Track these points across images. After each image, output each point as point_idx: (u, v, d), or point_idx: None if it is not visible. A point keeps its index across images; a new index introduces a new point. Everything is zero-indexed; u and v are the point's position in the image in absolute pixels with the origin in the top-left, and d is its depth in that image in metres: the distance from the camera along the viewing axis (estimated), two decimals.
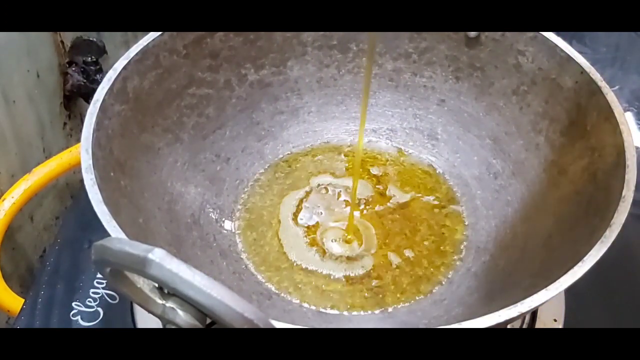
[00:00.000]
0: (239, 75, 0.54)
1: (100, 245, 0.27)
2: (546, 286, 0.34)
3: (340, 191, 0.53)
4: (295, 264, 0.48)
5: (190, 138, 0.51)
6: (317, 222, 0.51)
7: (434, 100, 0.55)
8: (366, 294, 0.47)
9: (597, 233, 0.37)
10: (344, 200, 0.52)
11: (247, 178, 0.54)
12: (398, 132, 0.56)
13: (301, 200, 0.53)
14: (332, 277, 0.48)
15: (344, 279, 0.47)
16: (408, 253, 0.49)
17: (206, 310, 0.26)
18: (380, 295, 0.47)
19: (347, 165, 0.55)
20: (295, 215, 0.52)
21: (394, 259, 0.49)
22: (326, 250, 0.49)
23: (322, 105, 0.57)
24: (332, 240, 0.50)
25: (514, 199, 0.50)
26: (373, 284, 0.47)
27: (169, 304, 0.28)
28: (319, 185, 0.54)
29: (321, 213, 0.52)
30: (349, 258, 0.49)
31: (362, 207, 0.52)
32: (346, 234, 0.50)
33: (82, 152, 0.40)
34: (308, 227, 0.51)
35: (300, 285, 0.47)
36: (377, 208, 0.52)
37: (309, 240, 0.50)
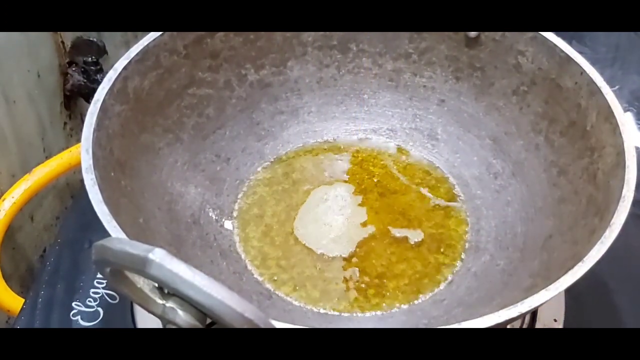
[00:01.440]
0: (239, 76, 0.54)
1: (100, 245, 0.27)
2: (546, 286, 0.34)
3: (341, 193, 0.53)
4: (295, 264, 0.48)
5: (190, 138, 0.51)
6: (318, 223, 0.51)
7: (434, 100, 0.55)
8: (366, 294, 0.47)
9: (597, 233, 0.37)
10: (344, 202, 0.52)
11: (247, 178, 0.54)
12: (398, 132, 0.56)
13: (302, 201, 0.53)
14: (332, 277, 0.48)
15: (344, 279, 0.47)
16: (408, 253, 0.49)
17: (206, 310, 0.26)
18: (380, 296, 0.47)
19: (347, 165, 0.55)
20: (295, 216, 0.52)
21: (394, 259, 0.49)
22: (326, 251, 0.49)
23: (322, 105, 0.57)
24: (332, 241, 0.50)
25: (514, 199, 0.50)
26: (373, 284, 0.47)
27: (169, 304, 0.28)
28: (319, 186, 0.54)
29: (321, 214, 0.52)
30: (349, 259, 0.49)
31: (361, 207, 0.52)
32: (346, 235, 0.50)
33: (83, 152, 0.40)
34: (309, 229, 0.51)
35: (300, 285, 0.47)
36: (376, 209, 0.52)
37: (309, 241, 0.50)
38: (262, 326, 0.26)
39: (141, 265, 0.25)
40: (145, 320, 0.48)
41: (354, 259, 0.49)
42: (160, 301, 0.29)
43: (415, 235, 0.50)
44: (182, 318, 0.28)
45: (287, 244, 0.50)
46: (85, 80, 0.69)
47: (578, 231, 0.41)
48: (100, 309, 0.49)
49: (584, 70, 0.45)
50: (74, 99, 0.71)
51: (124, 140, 0.45)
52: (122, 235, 0.36)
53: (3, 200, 0.56)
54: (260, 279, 0.48)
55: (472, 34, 0.51)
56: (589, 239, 0.38)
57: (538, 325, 0.47)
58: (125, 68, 0.46)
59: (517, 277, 0.44)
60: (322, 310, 0.46)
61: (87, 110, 0.43)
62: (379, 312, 0.46)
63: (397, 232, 0.50)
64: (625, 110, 0.61)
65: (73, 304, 0.49)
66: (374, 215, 0.51)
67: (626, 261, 0.50)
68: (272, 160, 0.55)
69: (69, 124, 0.71)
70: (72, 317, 0.48)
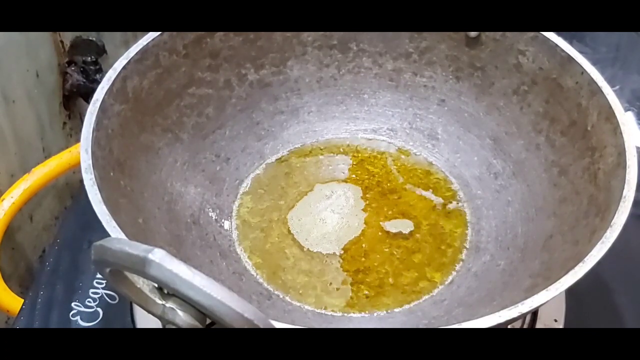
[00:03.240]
0: (238, 75, 0.54)
1: (100, 246, 0.27)
2: (547, 286, 0.34)
3: (341, 192, 0.53)
4: (295, 264, 0.48)
5: (190, 138, 0.51)
6: (318, 224, 0.51)
7: (434, 100, 0.55)
8: (366, 294, 0.47)
9: (598, 233, 0.37)
10: (345, 202, 0.52)
11: (247, 178, 0.54)
12: (398, 132, 0.56)
13: (302, 201, 0.52)
14: (332, 277, 0.47)
15: (344, 280, 0.47)
16: (408, 253, 0.49)
17: (206, 310, 0.26)
18: (380, 296, 0.46)
19: (347, 165, 0.55)
20: (296, 217, 0.51)
21: (394, 259, 0.48)
22: (326, 251, 0.49)
23: (322, 105, 0.57)
24: (332, 241, 0.50)
25: (515, 199, 0.49)
26: (373, 284, 0.47)
27: (169, 305, 0.28)
28: (319, 186, 0.53)
29: (322, 214, 0.51)
30: (349, 258, 0.49)
31: (362, 207, 0.52)
32: (347, 234, 0.50)
33: (82, 152, 0.40)
34: (309, 228, 0.51)
35: (300, 286, 0.47)
36: (376, 208, 0.52)
37: (309, 241, 0.50)
38: (262, 326, 0.26)
39: (141, 266, 0.25)
40: (145, 320, 0.48)
41: (354, 259, 0.48)
42: (159, 301, 0.29)
43: (415, 236, 0.50)
44: (182, 318, 0.28)
45: (286, 244, 0.50)
46: (84, 80, 0.69)
47: (579, 231, 0.41)
48: (99, 309, 0.49)
49: (585, 70, 0.45)
50: (73, 98, 0.71)
51: (123, 140, 0.45)
52: (122, 236, 0.36)
53: (2, 200, 0.56)
54: (259, 279, 0.47)
55: (473, 33, 0.51)
56: (589, 239, 0.38)
57: (539, 325, 0.47)
58: (124, 68, 0.45)
59: (517, 277, 0.44)
60: (322, 311, 0.46)
61: (86, 110, 0.43)
62: (379, 313, 0.46)
63: (398, 233, 0.50)
64: (626, 110, 0.61)
65: (72, 304, 0.49)
66: (374, 215, 0.51)
67: (627, 261, 0.50)
68: (272, 160, 0.55)
69: (68, 123, 0.71)
70: (71, 318, 0.48)
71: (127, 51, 0.46)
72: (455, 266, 0.48)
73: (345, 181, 0.54)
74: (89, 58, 0.69)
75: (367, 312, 0.46)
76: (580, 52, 0.47)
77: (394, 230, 0.50)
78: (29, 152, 0.63)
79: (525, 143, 0.50)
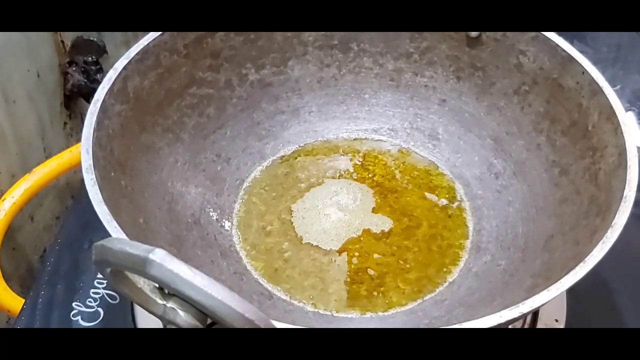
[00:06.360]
0: (239, 75, 0.54)
1: (100, 246, 0.27)
2: (547, 286, 0.34)
3: (342, 192, 0.53)
4: (296, 265, 0.48)
5: (190, 138, 0.51)
6: (318, 224, 0.51)
7: (435, 100, 0.55)
8: (367, 295, 0.47)
9: (599, 233, 0.37)
10: (352, 200, 0.52)
11: (248, 178, 0.54)
12: (399, 132, 0.56)
13: (302, 201, 0.52)
14: (333, 277, 0.47)
15: (345, 280, 0.47)
16: (409, 253, 0.49)
17: (207, 310, 0.26)
18: (381, 296, 0.46)
19: (348, 165, 0.55)
20: (296, 217, 0.51)
21: (395, 259, 0.48)
22: (327, 251, 0.49)
23: (323, 105, 0.57)
24: (332, 241, 0.50)
25: (515, 199, 0.49)
26: (374, 284, 0.47)
27: (170, 305, 0.28)
28: (319, 185, 0.53)
29: (322, 214, 0.51)
30: (350, 258, 0.49)
31: (362, 208, 0.52)
32: (346, 234, 0.50)
33: (83, 152, 0.40)
34: (309, 228, 0.51)
35: (301, 286, 0.47)
36: (377, 208, 0.52)
37: (309, 241, 0.50)
38: (263, 326, 0.26)
39: (141, 266, 0.25)
40: (146, 320, 0.48)
41: (355, 259, 0.48)
42: (160, 301, 0.29)
43: (415, 236, 0.50)
44: (183, 318, 0.28)
45: (288, 244, 0.50)
46: (85, 80, 0.69)
47: (579, 231, 0.41)
48: (100, 309, 0.49)
49: (586, 70, 0.45)
50: (74, 98, 0.71)
51: (124, 140, 0.45)
52: (123, 236, 0.36)
53: (3, 200, 0.56)
54: (260, 279, 0.47)
55: (474, 33, 0.51)
56: (590, 239, 0.38)
57: (539, 325, 0.47)
58: (125, 68, 0.45)
59: (518, 278, 0.44)
60: (322, 311, 0.46)
61: (87, 110, 0.43)
62: (379, 313, 0.46)
63: (398, 233, 0.50)
64: (627, 110, 0.61)
65: (73, 304, 0.49)
66: (375, 215, 0.51)
67: (628, 261, 0.50)
68: (273, 160, 0.55)
69: (69, 123, 0.71)
70: (72, 317, 0.48)
71: (128, 51, 0.46)
72: (456, 266, 0.48)
73: (354, 180, 0.54)
74: (90, 58, 0.69)
75: (367, 312, 0.46)
76: (581, 52, 0.47)
77: (393, 230, 0.50)
78: (29, 152, 0.63)
79: (526, 143, 0.50)
